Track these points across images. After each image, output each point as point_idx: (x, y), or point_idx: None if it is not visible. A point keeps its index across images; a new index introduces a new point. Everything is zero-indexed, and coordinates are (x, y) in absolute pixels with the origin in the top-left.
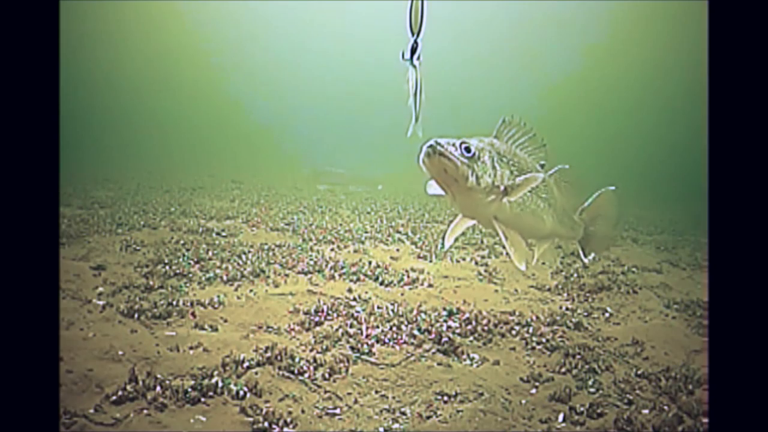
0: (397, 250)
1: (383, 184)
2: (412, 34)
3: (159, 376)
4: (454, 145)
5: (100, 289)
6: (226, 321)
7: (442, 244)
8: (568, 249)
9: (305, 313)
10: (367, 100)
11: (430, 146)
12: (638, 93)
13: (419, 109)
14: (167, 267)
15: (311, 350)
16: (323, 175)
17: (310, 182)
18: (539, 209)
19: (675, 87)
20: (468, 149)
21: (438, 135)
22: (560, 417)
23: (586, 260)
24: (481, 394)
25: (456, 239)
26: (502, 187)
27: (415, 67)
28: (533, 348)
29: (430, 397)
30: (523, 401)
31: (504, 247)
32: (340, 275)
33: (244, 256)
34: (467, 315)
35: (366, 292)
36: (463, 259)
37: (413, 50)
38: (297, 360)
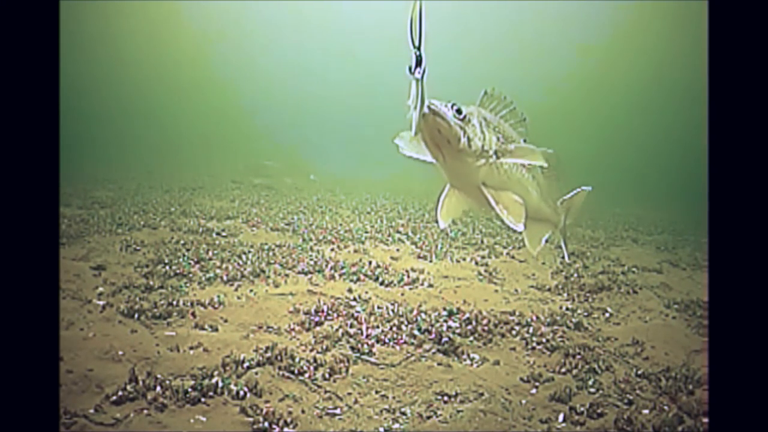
0: (397, 250)
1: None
2: (414, 47)
3: (159, 376)
4: (446, 105)
5: (100, 289)
6: (226, 321)
7: (436, 222)
8: (569, 249)
9: (305, 313)
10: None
11: (429, 108)
12: (638, 93)
13: (420, 122)
14: (167, 267)
15: (311, 350)
16: (261, 168)
17: (246, 176)
18: (524, 180)
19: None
20: (459, 111)
21: None
22: (560, 417)
23: (567, 254)
24: (481, 394)
25: (455, 239)
26: (491, 152)
27: (417, 80)
28: (533, 348)
29: (430, 397)
30: (523, 401)
31: (504, 247)
32: (340, 275)
33: (244, 256)
34: (467, 315)
35: (366, 292)
36: (463, 259)
37: (418, 63)
38: (297, 360)
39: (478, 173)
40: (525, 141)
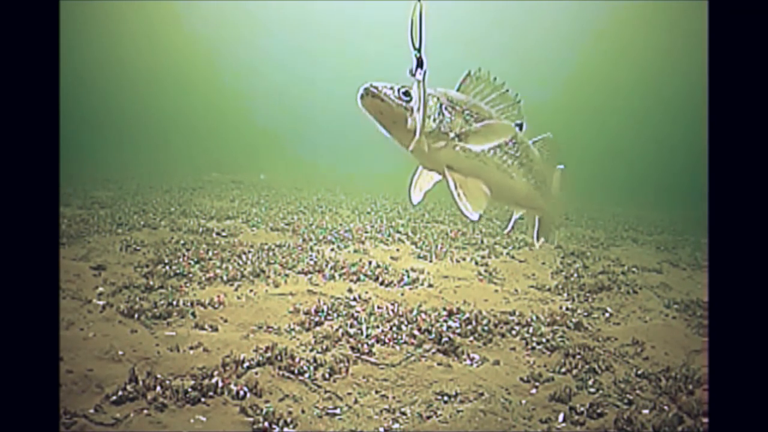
0: (397, 250)
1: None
2: (414, 49)
3: (159, 376)
4: (392, 89)
5: (100, 289)
6: (226, 321)
7: (410, 198)
8: (569, 249)
9: (305, 313)
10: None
11: (365, 88)
12: (638, 94)
13: (422, 124)
14: (167, 267)
15: (311, 350)
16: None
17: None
18: (506, 165)
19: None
20: (407, 93)
21: None
22: (560, 417)
23: (537, 244)
24: (481, 394)
25: (455, 239)
26: (452, 134)
27: (419, 82)
28: (533, 348)
29: (430, 397)
30: (523, 401)
31: (504, 247)
32: (340, 275)
33: (244, 256)
34: (467, 315)
35: (366, 292)
36: (463, 259)
37: (419, 65)
38: (297, 360)
39: (438, 155)
40: (521, 125)
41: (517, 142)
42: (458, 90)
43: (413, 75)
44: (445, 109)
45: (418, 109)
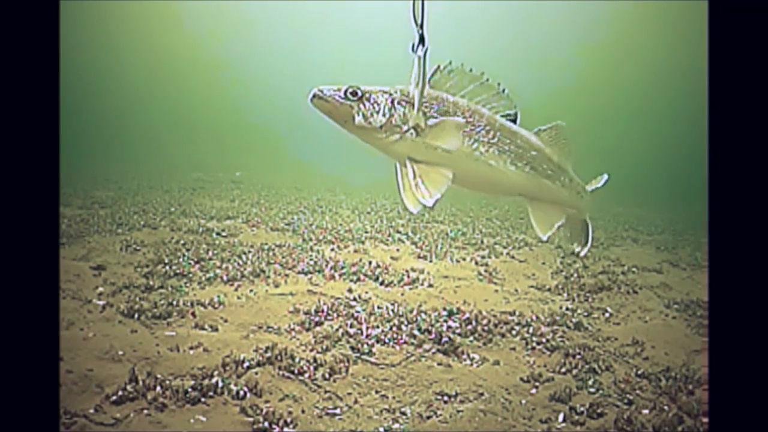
0: (397, 250)
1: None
2: (416, 25)
3: (159, 376)
4: (339, 89)
5: (100, 289)
6: (226, 321)
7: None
8: (569, 249)
9: (305, 313)
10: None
11: (313, 93)
12: (639, 94)
13: (421, 100)
14: (167, 267)
15: (311, 350)
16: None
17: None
18: (480, 153)
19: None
20: (354, 93)
21: None
22: (560, 417)
23: (578, 249)
24: (481, 394)
25: (455, 238)
26: (405, 127)
27: (419, 58)
28: (533, 348)
29: (430, 397)
30: (523, 401)
31: (504, 247)
32: (340, 275)
33: (244, 256)
34: (467, 315)
35: (366, 292)
36: (463, 259)
37: (421, 41)
38: (297, 360)
39: (395, 147)
40: (514, 116)
41: (495, 129)
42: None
43: (414, 52)
44: (398, 103)
45: (417, 86)
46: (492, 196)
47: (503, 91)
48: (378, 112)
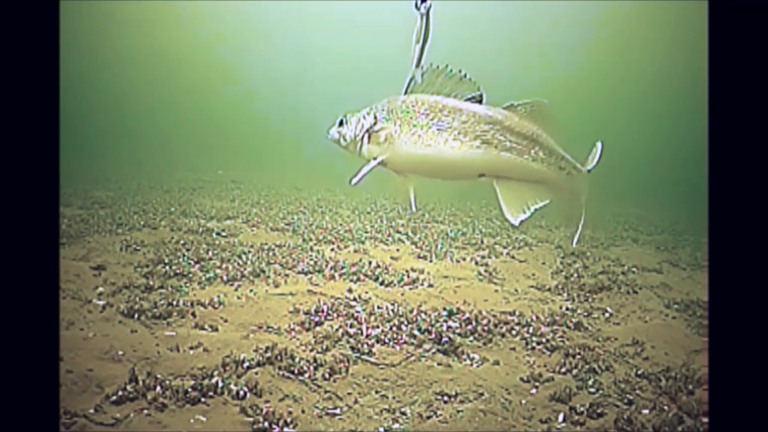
0: (397, 250)
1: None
2: None
3: (159, 376)
4: (336, 124)
5: (100, 289)
6: (226, 321)
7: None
8: (569, 249)
9: (305, 313)
10: (369, 100)
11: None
12: (639, 93)
13: (421, 56)
14: (167, 267)
15: (311, 350)
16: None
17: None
18: (423, 138)
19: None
20: (341, 122)
21: None
22: (560, 417)
23: (573, 240)
24: (481, 394)
25: (455, 238)
26: (360, 134)
27: (422, 15)
28: (533, 348)
29: (430, 397)
30: (523, 401)
31: (504, 247)
32: (340, 275)
33: (244, 256)
34: (467, 315)
35: (366, 292)
36: (463, 259)
37: None
38: (297, 360)
39: (364, 153)
40: (479, 98)
41: (435, 111)
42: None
43: (417, 8)
44: (364, 117)
45: (417, 41)
46: (455, 180)
47: (465, 76)
48: (350, 130)
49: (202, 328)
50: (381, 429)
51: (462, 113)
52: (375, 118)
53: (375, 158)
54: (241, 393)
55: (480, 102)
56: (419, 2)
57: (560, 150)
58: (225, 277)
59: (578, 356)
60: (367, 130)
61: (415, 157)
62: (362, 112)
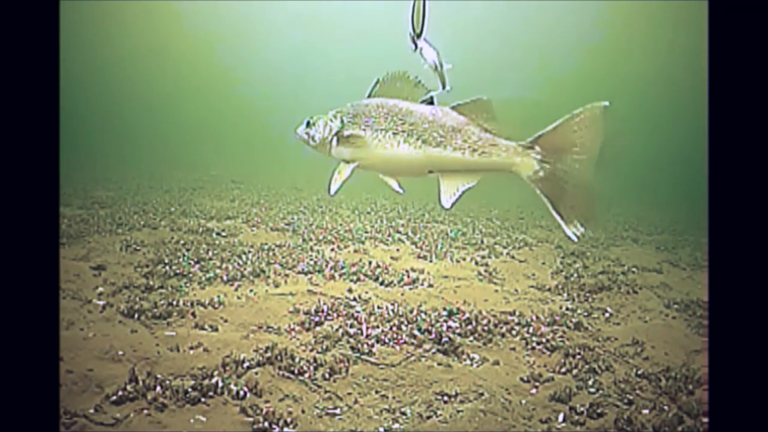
0: (397, 250)
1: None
2: (414, 30)
3: (159, 376)
4: (301, 124)
5: (100, 289)
6: (226, 321)
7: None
8: (569, 249)
9: (305, 313)
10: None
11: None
12: (639, 94)
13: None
14: (167, 267)
15: (311, 350)
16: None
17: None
18: (382, 142)
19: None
20: (308, 124)
21: None
22: (560, 417)
23: (568, 231)
24: (481, 394)
25: (455, 238)
26: (329, 138)
27: (428, 44)
28: (533, 348)
29: (430, 397)
30: (523, 401)
31: (504, 247)
32: (340, 275)
33: (244, 256)
34: (467, 315)
35: (366, 292)
36: (463, 259)
37: (419, 35)
38: (297, 360)
39: (336, 155)
40: (430, 100)
41: (391, 115)
42: (369, 96)
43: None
44: (331, 121)
45: (435, 69)
46: (413, 178)
47: (419, 82)
48: (318, 132)
49: (202, 328)
50: (381, 429)
51: (411, 115)
52: (342, 121)
53: (345, 160)
54: (241, 393)
55: (431, 103)
56: (415, 38)
57: (483, 134)
58: (225, 277)
59: (578, 356)
60: (336, 134)
61: (377, 158)
62: (329, 114)
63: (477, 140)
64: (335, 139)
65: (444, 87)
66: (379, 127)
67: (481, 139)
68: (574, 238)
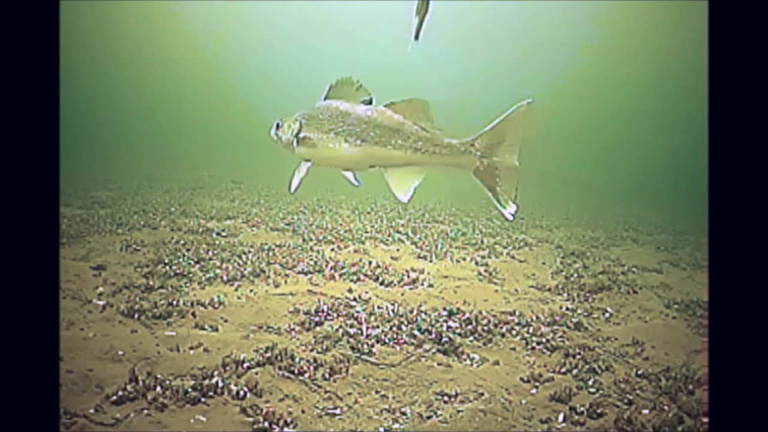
0: (397, 250)
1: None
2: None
3: (159, 376)
4: (272, 126)
5: (100, 289)
6: (226, 321)
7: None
8: (569, 249)
9: (305, 313)
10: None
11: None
12: (639, 93)
13: (420, 26)
14: (167, 267)
15: (311, 350)
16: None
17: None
18: (326, 140)
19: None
20: (278, 125)
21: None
22: (560, 417)
23: (505, 212)
24: (481, 394)
25: (455, 238)
26: (292, 138)
27: None
28: (533, 348)
29: (430, 397)
30: (523, 401)
31: (504, 247)
32: (340, 275)
33: (244, 256)
34: (467, 315)
35: (366, 292)
36: (463, 259)
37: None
38: (297, 360)
39: (299, 155)
40: (369, 101)
41: (334, 116)
42: (325, 98)
43: None
44: (293, 123)
45: (418, 13)
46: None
47: (361, 86)
48: (284, 134)
49: (202, 328)
50: (381, 429)
51: (350, 116)
52: (300, 124)
53: (305, 159)
54: (241, 393)
55: (370, 103)
56: None
57: (422, 134)
58: (225, 277)
59: (578, 356)
60: (296, 135)
61: (326, 156)
62: (293, 117)
63: (417, 140)
64: (296, 140)
65: (416, 37)
66: (326, 128)
67: (422, 138)
68: (511, 217)
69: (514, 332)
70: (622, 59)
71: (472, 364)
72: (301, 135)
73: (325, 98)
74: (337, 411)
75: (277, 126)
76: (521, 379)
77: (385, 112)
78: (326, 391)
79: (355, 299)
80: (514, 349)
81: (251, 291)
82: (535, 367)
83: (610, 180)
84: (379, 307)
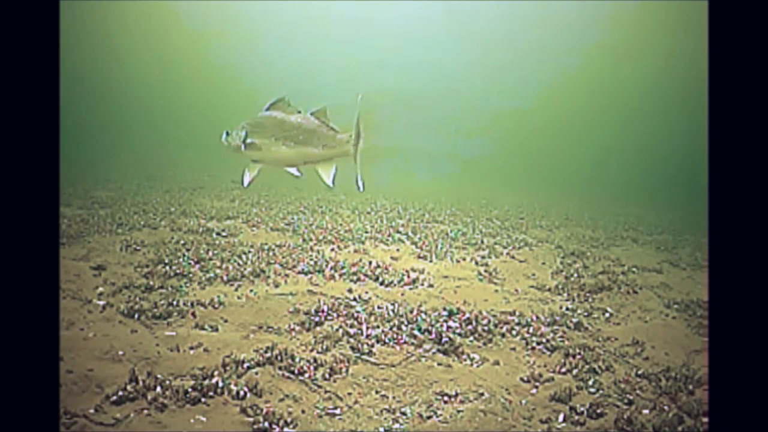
0: (397, 250)
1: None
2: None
3: (159, 376)
4: (224, 132)
5: (100, 289)
6: (226, 321)
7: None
8: (569, 249)
9: (305, 313)
10: (369, 101)
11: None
12: (639, 94)
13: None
14: (167, 267)
15: (311, 350)
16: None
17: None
18: (269, 145)
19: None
20: (227, 134)
21: (438, 133)
22: (560, 417)
23: (359, 177)
24: (481, 394)
25: (455, 238)
26: (239, 144)
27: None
28: (533, 348)
29: (430, 397)
30: (523, 401)
31: (504, 247)
32: (340, 275)
33: (244, 256)
34: (467, 315)
35: (366, 292)
36: (463, 259)
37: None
38: (297, 360)
39: (248, 157)
40: (298, 111)
41: (275, 125)
42: (267, 110)
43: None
44: (240, 129)
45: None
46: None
47: (289, 103)
48: (233, 141)
49: (202, 328)
50: (381, 429)
51: (285, 124)
52: (246, 132)
53: (253, 160)
54: (241, 393)
55: (299, 112)
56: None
57: (329, 133)
58: (225, 277)
59: (578, 356)
60: (243, 141)
61: (270, 157)
62: (240, 125)
63: (325, 137)
64: (243, 145)
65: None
66: (268, 134)
67: (327, 136)
68: (362, 189)
69: (514, 332)
70: (622, 59)
71: (472, 364)
72: (248, 141)
73: (268, 109)
74: (337, 411)
75: (227, 134)
76: (521, 379)
77: (310, 118)
78: (326, 391)
79: (355, 299)
80: (514, 349)
81: (251, 291)
82: (535, 367)
83: (610, 180)
84: (379, 307)
